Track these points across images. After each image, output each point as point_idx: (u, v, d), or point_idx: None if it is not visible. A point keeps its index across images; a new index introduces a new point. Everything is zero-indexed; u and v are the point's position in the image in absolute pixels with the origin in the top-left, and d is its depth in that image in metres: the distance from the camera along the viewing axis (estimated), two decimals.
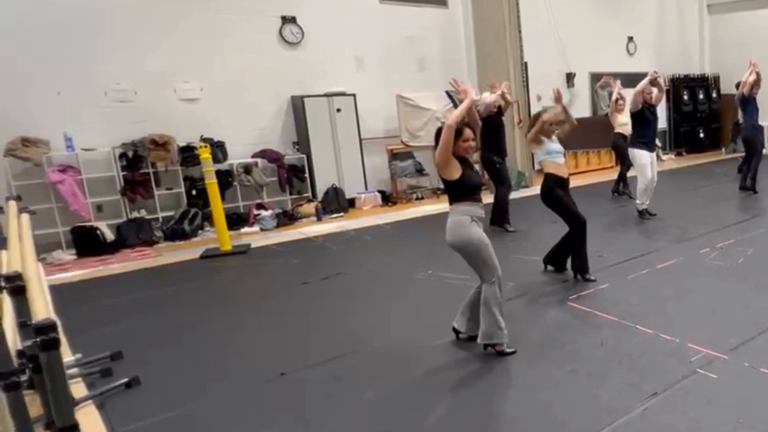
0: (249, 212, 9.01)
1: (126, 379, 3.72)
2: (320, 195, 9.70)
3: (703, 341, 3.85)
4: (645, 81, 7.50)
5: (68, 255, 7.48)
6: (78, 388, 3.64)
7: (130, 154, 8.19)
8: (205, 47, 8.78)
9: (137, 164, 8.22)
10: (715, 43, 16.10)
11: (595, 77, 13.85)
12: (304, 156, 9.72)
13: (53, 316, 2.20)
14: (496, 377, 3.65)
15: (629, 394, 3.27)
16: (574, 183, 5.86)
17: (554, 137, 5.40)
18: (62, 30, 7.66)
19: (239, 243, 7.66)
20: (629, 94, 8.16)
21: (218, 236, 7.40)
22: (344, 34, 10.10)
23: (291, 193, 9.66)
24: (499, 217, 7.60)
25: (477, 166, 4.56)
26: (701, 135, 15.60)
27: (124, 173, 8.18)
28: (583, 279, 5.36)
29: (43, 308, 2.35)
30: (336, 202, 9.67)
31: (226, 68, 8.97)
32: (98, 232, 7.61)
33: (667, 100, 14.62)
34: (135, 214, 8.23)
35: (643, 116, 7.56)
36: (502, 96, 7.72)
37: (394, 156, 10.68)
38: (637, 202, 7.87)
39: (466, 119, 3.90)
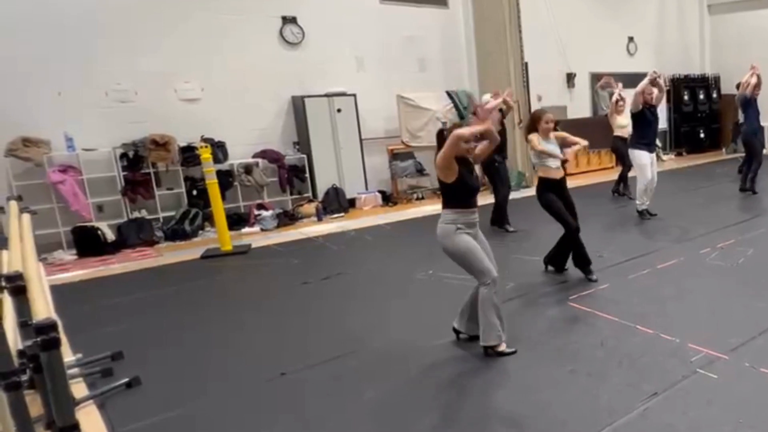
0: (249, 212, 9.01)
1: (126, 379, 3.72)
2: (321, 195, 9.71)
3: (704, 341, 3.85)
4: (645, 81, 7.50)
5: (69, 255, 7.49)
6: (79, 388, 3.64)
7: (131, 154, 8.20)
8: (206, 47, 8.79)
9: (138, 164, 8.23)
10: (716, 44, 16.10)
11: (596, 77, 13.85)
12: (305, 156, 9.72)
13: (54, 316, 2.20)
14: (496, 377, 3.65)
15: (629, 394, 3.27)
16: (574, 183, 5.87)
17: (551, 138, 5.37)
18: (63, 30, 7.66)
19: (240, 243, 7.66)
20: (630, 95, 8.16)
21: (219, 236, 7.40)
22: (345, 35, 10.10)
23: (291, 194, 9.66)
24: (499, 218, 7.60)
25: (477, 168, 4.55)
26: (701, 135, 15.60)
27: (125, 173, 8.19)
28: (585, 277, 5.36)
29: (43, 308, 2.35)
30: (336, 202, 9.67)
31: (227, 68, 8.97)
32: (99, 232, 7.61)
33: (668, 101, 14.62)
34: (136, 214, 8.23)
35: (643, 117, 7.55)
36: (504, 101, 7.76)
37: (394, 156, 10.68)
38: (637, 202, 7.88)
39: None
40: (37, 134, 7.52)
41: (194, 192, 8.68)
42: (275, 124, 9.70)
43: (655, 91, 7.65)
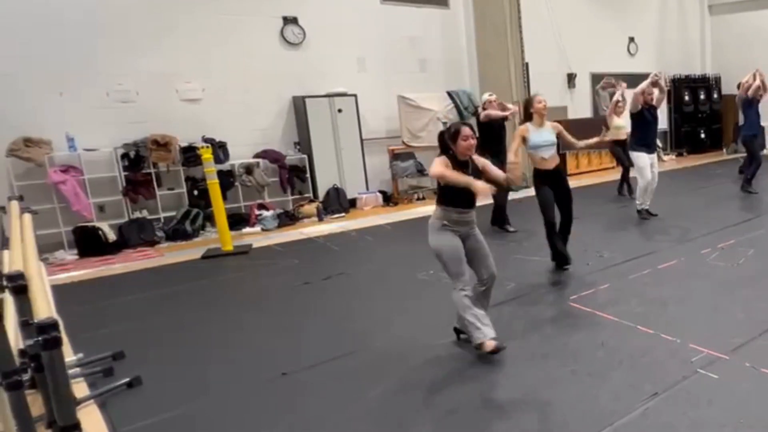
0: (250, 212, 9.02)
1: (127, 379, 3.73)
2: (321, 195, 9.72)
3: (704, 341, 3.85)
4: (646, 82, 7.49)
5: (70, 255, 7.50)
6: (80, 388, 3.64)
7: (132, 154, 8.21)
8: (207, 48, 8.80)
9: (139, 164, 8.24)
10: (717, 44, 16.10)
11: (597, 78, 13.86)
12: (306, 156, 9.73)
13: (55, 316, 2.21)
14: (496, 377, 3.65)
15: (630, 395, 3.27)
16: (574, 183, 5.87)
17: (546, 124, 5.38)
18: (64, 30, 7.68)
19: (241, 243, 7.67)
20: (630, 96, 8.15)
21: (220, 236, 7.41)
22: (345, 35, 10.11)
23: (292, 194, 9.67)
24: (499, 218, 7.61)
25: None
26: (702, 135, 15.59)
27: (126, 173, 8.20)
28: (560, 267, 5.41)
29: (44, 307, 2.36)
30: (337, 203, 9.68)
31: (228, 69, 8.99)
32: (100, 232, 7.62)
33: (668, 101, 14.62)
34: (137, 215, 8.25)
35: (642, 117, 7.51)
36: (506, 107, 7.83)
37: (395, 156, 10.69)
38: (637, 202, 7.90)
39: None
40: (38, 134, 7.54)
41: (195, 192, 8.69)
42: (276, 125, 9.71)
43: (656, 92, 7.64)
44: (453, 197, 3.86)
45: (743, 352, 3.71)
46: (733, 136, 14.50)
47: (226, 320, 4.95)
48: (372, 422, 3.21)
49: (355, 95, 9.94)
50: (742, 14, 15.24)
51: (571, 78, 13.43)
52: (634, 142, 7.72)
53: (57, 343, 2.01)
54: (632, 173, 8.74)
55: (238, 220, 8.74)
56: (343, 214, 9.53)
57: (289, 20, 9.62)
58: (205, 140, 8.50)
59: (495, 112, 7.56)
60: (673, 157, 15.06)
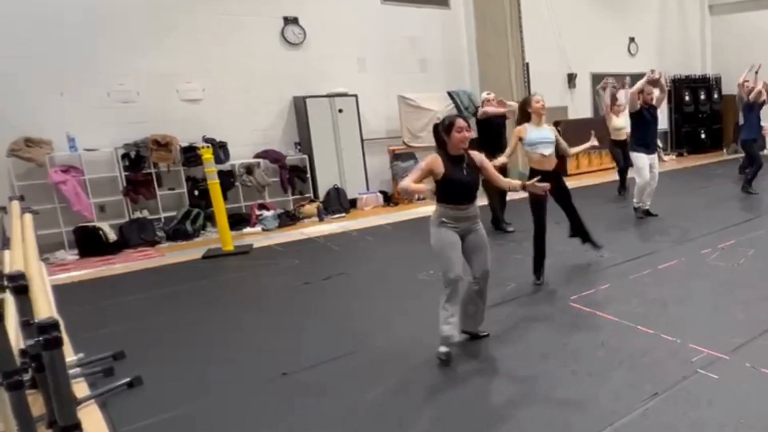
0: (251, 212, 9.02)
1: (128, 379, 3.73)
2: (322, 195, 9.72)
3: (705, 341, 3.86)
4: (642, 81, 7.40)
5: (71, 255, 7.50)
6: (80, 388, 3.65)
7: (133, 154, 8.21)
8: (208, 48, 8.80)
9: (140, 164, 8.24)
10: (717, 44, 16.09)
11: (597, 78, 13.84)
12: (306, 156, 9.73)
13: (56, 316, 2.21)
14: (496, 377, 3.66)
15: (630, 395, 3.28)
16: (575, 183, 5.87)
17: (544, 124, 5.33)
18: (65, 30, 7.68)
19: (241, 243, 7.67)
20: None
21: (220, 236, 7.41)
22: (346, 35, 10.11)
23: (293, 194, 9.67)
24: (495, 219, 7.66)
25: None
26: (703, 136, 15.58)
27: (127, 173, 8.20)
28: (534, 279, 5.33)
29: (45, 307, 2.36)
30: (338, 203, 9.68)
31: (229, 69, 8.99)
32: (101, 232, 7.62)
33: (669, 101, 14.61)
34: (137, 215, 8.25)
35: (641, 117, 7.46)
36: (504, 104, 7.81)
37: (395, 156, 10.69)
38: (634, 200, 7.91)
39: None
40: (39, 134, 7.53)
41: (196, 192, 8.69)
42: (277, 125, 9.71)
43: (656, 91, 7.62)
44: (448, 194, 3.86)
45: (743, 352, 3.71)
46: (734, 136, 14.50)
47: (226, 320, 4.95)
48: (372, 422, 3.21)
49: (355, 95, 9.93)
50: (743, 14, 15.24)
51: (571, 78, 13.43)
52: (634, 142, 7.71)
53: (58, 343, 2.01)
54: (631, 173, 8.74)
55: (238, 220, 8.74)
56: (343, 214, 9.53)
57: (290, 20, 9.62)
58: (206, 140, 8.50)
59: (492, 109, 7.55)
60: (674, 157, 15.05)
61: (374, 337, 4.33)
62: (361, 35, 10.28)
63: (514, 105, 7.82)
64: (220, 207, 7.33)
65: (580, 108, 13.67)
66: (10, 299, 2.67)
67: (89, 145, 7.89)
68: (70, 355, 3.87)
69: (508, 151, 5.41)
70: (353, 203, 10.02)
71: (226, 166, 8.82)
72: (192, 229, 8.31)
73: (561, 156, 5.46)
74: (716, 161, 14.14)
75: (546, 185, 4.31)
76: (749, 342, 3.85)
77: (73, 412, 2.17)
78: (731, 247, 6.16)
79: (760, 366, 3.51)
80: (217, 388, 3.70)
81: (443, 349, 3.84)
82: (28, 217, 4.41)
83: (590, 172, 12.77)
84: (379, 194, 10.32)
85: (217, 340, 4.50)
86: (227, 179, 8.73)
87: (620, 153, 9.68)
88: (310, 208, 9.36)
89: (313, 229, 8.56)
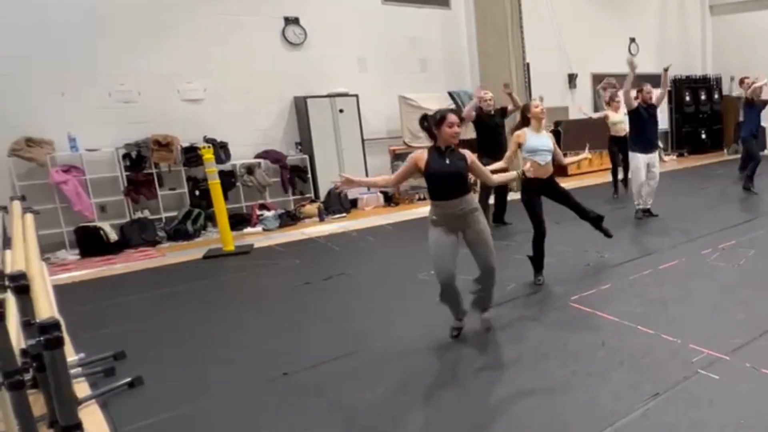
0: (252, 213, 9.03)
1: (129, 379, 3.73)
2: (323, 195, 9.72)
3: (705, 342, 3.86)
4: (630, 76, 7.18)
5: (72, 255, 7.51)
6: (81, 388, 3.65)
7: (134, 154, 8.22)
8: (209, 48, 8.81)
9: (140, 165, 8.25)
10: (718, 44, 16.09)
11: (597, 78, 13.85)
12: (307, 156, 9.74)
13: (57, 316, 2.22)
14: (496, 377, 3.65)
15: (630, 395, 3.28)
16: (575, 183, 5.87)
17: (543, 131, 5.34)
18: (65, 30, 7.69)
19: (242, 243, 7.68)
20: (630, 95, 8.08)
21: (221, 236, 7.41)
22: (347, 35, 10.12)
23: (293, 194, 9.68)
24: (495, 215, 7.71)
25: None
26: (703, 136, 15.58)
27: (128, 173, 8.21)
28: (534, 278, 5.33)
29: (46, 307, 2.36)
30: (338, 203, 9.67)
31: (229, 69, 8.99)
32: (102, 232, 7.63)
33: (669, 102, 14.61)
34: (138, 215, 8.25)
35: (638, 116, 7.38)
36: (510, 96, 7.70)
37: (396, 156, 10.69)
38: (634, 201, 7.92)
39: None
40: (40, 134, 7.54)
41: (197, 192, 8.70)
42: (277, 125, 9.72)
43: (655, 91, 7.60)
44: (433, 189, 3.90)
45: (744, 352, 3.71)
46: (734, 136, 14.50)
47: (226, 320, 4.96)
48: (372, 422, 3.21)
49: (356, 95, 9.94)
50: (743, 14, 15.23)
51: (571, 78, 13.42)
52: (631, 142, 7.67)
53: (59, 343, 2.02)
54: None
55: (239, 221, 8.74)
56: (344, 215, 9.53)
57: (291, 20, 9.62)
58: (207, 140, 8.51)
59: (468, 107, 7.48)
60: (674, 157, 15.04)
61: (374, 337, 4.33)
62: (361, 35, 10.29)
63: (484, 94, 7.69)
64: (220, 207, 7.34)
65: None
66: (11, 299, 2.67)
67: (90, 145, 7.90)
68: (71, 355, 3.88)
69: (507, 155, 5.40)
70: (354, 203, 10.02)
71: (226, 166, 8.83)
72: (193, 229, 8.32)
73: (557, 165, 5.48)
74: (717, 161, 14.14)
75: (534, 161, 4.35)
76: (750, 342, 3.85)
77: (74, 412, 2.17)
78: (732, 248, 6.16)
79: (760, 366, 3.51)
80: (218, 388, 3.70)
81: (455, 324, 4.06)
82: (29, 217, 4.41)
83: (590, 172, 12.76)
84: (379, 194, 10.32)
85: (217, 340, 4.51)
86: (228, 179, 8.74)
87: (617, 153, 9.69)
88: (311, 208, 9.36)
89: (313, 229, 8.57)
